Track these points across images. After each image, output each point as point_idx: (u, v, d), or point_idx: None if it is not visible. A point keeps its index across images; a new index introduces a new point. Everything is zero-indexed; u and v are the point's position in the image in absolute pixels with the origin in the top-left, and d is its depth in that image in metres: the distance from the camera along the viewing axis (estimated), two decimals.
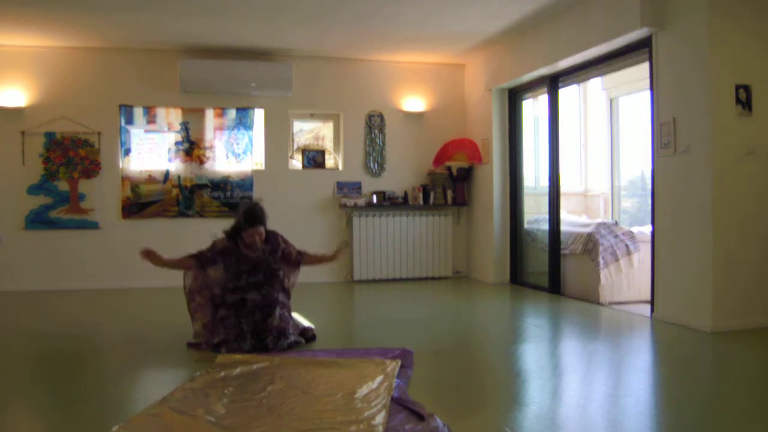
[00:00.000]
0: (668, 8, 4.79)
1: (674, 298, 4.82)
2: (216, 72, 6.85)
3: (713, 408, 3.01)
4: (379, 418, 2.67)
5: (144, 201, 7.00)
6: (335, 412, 2.79)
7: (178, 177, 7.08)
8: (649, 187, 5.23)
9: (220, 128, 7.19)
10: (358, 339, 4.76)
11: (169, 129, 7.06)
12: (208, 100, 7.11)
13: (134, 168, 6.98)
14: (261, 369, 3.51)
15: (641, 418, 2.80)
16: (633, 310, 5.48)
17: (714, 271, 4.47)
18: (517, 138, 7.21)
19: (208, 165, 7.15)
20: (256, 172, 7.29)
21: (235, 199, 7.19)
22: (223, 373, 3.41)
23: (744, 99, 4.55)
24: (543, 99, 6.86)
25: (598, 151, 7.95)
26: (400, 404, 2.86)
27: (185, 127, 7.09)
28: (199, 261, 4.20)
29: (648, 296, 5.30)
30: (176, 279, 7.01)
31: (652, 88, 5.03)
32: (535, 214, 7.15)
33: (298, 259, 4.37)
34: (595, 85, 7.74)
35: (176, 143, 7.08)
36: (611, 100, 7.74)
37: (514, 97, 7.21)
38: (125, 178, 6.96)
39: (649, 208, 5.21)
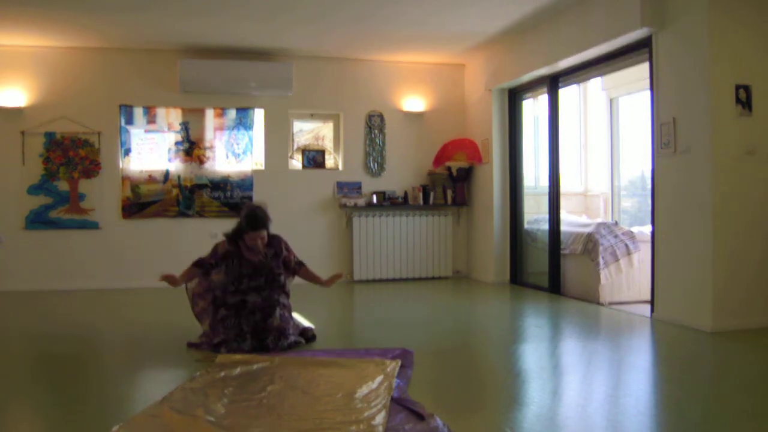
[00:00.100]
0: (668, 8, 4.79)
1: (674, 298, 4.82)
2: (216, 72, 6.85)
3: (713, 408, 3.01)
4: (379, 418, 2.67)
5: (144, 201, 7.00)
6: (335, 412, 2.79)
7: (178, 177, 7.08)
8: (649, 187, 5.23)
9: (220, 128, 7.19)
10: (358, 339, 4.76)
11: (169, 129, 7.06)
12: (208, 100, 7.11)
13: (134, 168, 6.98)
14: (261, 369, 3.52)
15: (641, 418, 2.80)
16: (633, 310, 5.48)
17: (714, 271, 4.47)
18: (517, 138, 7.21)
19: (208, 165, 7.15)
20: (256, 172, 7.29)
21: (235, 199, 7.20)
22: (223, 373, 3.41)
23: (744, 99, 4.54)
24: (543, 99, 6.86)
25: (598, 151, 7.95)
26: (400, 404, 2.86)
27: (185, 127, 7.09)
28: (203, 268, 4.19)
29: (648, 296, 5.30)
30: None
31: (652, 88, 5.02)
32: (535, 214, 7.15)
33: (295, 269, 4.34)
34: (595, 85, 7.74)
35: (176, 143, 7.08)
36: (611, 100, 7.74)
37: (514, 97, 7.21)
38: (125, 178, 6.96)
39: (649, 208, 5.21)
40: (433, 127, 7.76)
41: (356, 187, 7.54)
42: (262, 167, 7.35)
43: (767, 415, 2.89)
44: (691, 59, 4.61)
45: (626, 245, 5.92)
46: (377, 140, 7.62)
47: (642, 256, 5.84)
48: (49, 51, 6.79)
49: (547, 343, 4.41)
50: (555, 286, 6.41)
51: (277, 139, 7.38)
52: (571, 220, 6.73)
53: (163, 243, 7.04)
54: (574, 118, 7.96)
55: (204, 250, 6.99)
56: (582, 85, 7.66)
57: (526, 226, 7.17)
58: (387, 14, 5.87)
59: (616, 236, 5.97)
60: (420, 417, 2.68)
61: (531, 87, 6.90)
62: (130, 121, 6.97)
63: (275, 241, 4.26)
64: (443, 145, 7.59)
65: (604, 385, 3.45)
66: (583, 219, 7.01)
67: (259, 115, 7.32)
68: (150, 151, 7.03)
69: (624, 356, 4.06)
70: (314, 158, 7.55)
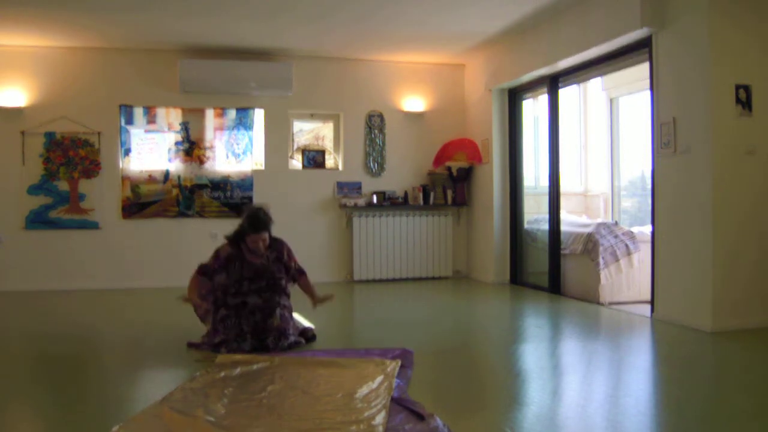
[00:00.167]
0: (668, 8, 4.79)
1: (674, 298, 4.82)
2: (216, 72, 6.85)
3: (713, 408, 3.01)
4: (379, 418, 2.67)
5: (144, 201, 7.00)
6: (335, 412, 2.79)
7: (178, 177, 7.08)
8: (649, 187, 5.23)
9: (220, 128, 7.19)
10: (358, 339, 4.76)
11: (169, 129, 7.06)
12: (208, 100, 7.11)
13: (134, 168, 6.98)
14: (261, 369, 3.52)
15: (641, 418, 2.80)
16: (633, 310, 5.48)
17: (714, 271, 4.47)
18: (517, 138, 7.21)
19: (208, 165, 7.15)
20: (256, 172, 7.29)
21: (235, 199, 7.20)
22: (223, 373, 3.41)
23: (744, 99, 4.54)
24: (543, 99, 6.86)
25: (598, 151, 7.95)
26: (400, 404, 2.86)
27: (185, 127, 7.09)
28: (207, 276, 4.14)
29: (648, 296, 5.30)
30: (176, 279, 7.02)
31: (652, 88, 5.02)
32: (535, 214, 7.15)
33: (294, 276, 4.31)
34: (595, 85, 7.74)
35: (176, 143, 7.08)
36: (611, 100, 7.74)
37: (514, 97, 7.22)
38: (125, 178, 6.96)
39: (649, 208, 5.21)
40: (433, 127, 7.76)
41: (356, 187, 7.54)
42: (262, 167, 7.35)
43: (767, 415, 2.89)
44: (691, 59, 4.61)
45: (626, 245, 5.92)
46: (377, 140, 7.62)
47: (642, 256, 5.84)
48: (49, 51, 6.79)
49: (547, 343, 4.41)
50: (555, 286, 6.41)
51: (277, 139, 7.38)
52: (571, 220, 6.73)
53: (163, 243, 7.04)
54: (574, 118, 7.96)
55: (204, 250, 6.99)
56: (582, 85, 7.66)
57: (526, 226, 7.17)
58: (387, 14, 5.87)
59: (616, 236, 5.97)
60: (420, 417, 2.68)
61: (531, 87, 6.90)
62: (130, 121, 6.97)
63: (278, 245, 4.24)
64: (443, 145, 7.59)
65: (604, 385, 3.45)
66: (583, 219, 7.01)
67: (259, 115, 7.32)
68: (150, 151, 7.03)
69: (624, 356, 4.06)
70: (314, 158, 7.55)
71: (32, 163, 6.73)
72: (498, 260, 7.27)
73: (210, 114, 7.16)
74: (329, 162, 7.65)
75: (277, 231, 4.32)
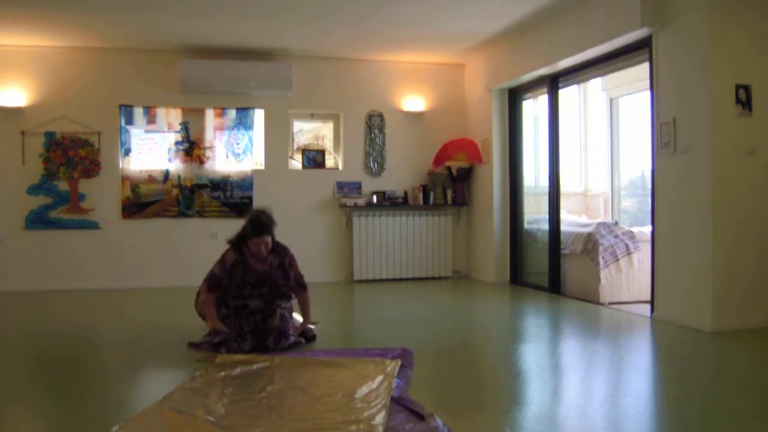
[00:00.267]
0: (668, 8, 4.79)
1: (674, 298, 4.82)
2: (216, 72, 6.85)
3: (713, 408, 3.01)
4: (379, 418, 2.67)
5: (144, 201, 7.00)
6: (335, 412, 2.79)
7: (178, 177, 7.08)
8: (649, 187, 5.23)
9: (220, 128, 7.19)
10: (358, 339, 4.76)
11: (169, 129, 7.06)
12: (208, 100, 7.11)
13: (134, 168, 6.98)
14: (261, 369, 3.52)
15: (641, 418, 2.80)
16: (633, 310, 5.48)
17: (714, 271, 4.47)
18: (517, 138, 7.21)
19: (208, 165, 7.15)
20: (256, 172, 7.29)
21: (235, 199, 7.20)
22: (223, 373, 3.41)
23: (744, 99, 4.55)
24: (543, 99, 6.86)
25: (598, 151, 7.95)
26: (400, 404, 2.86)
27: (185, 127, 7.09)
28: (219, 288, 4.07)
29: (648, 296, 5.30)
30: (176, 279, 7.04)
31: (652, 88, 5.03)
32: (535, 214, 7.15)
33: (295, 289, 4.21)
34: (595, 85, 7.74)
35: (176, 143, 7.08)
36: (611, 100, 7.74)
37: (514, 97, 7.22)
38: (125, 178, 6.96)
39: (649, 208, 5.21)
40: (433, 127, 7.76)
41: (356, 187, 7.54)
42: (262, 167, 7.35)
43: (767, 415, 2.89)
44: (691, 59, 4.61)
45: (626, 245, 5.92)
46: (377, 140, 7.62)
47: (642, 256, 5.84)
48: (49, 51, 6.79)
49: (547, 343, 4.41)
50: (555, 286, 6.41)
51: (277, 139, 7.38)
52: (571, 220, 6.73)
53: (163, 243, 7.04)
54: (574, 118, 7.96)
55: (204, 250, 7.02)
56: (582, 85, 7.66)
57: (526, 226, 7.17)
58: (387, 14, 5.87)
59: (616, 236, 5.97)
60: (420, 417, 2.68)
61: (531, 87, 6.90)
62: (130, 121, 6.97)
63: (282, 250, 4.17)
64: (443, 145, 7.59)
65: (604, 385, 3.45)
66: (583, 219, 7.01)
67: (259, 115, 7.32)
68: (150, 151, 7.03)
69: (624, 356, 4.06)
70: (314, 158, 7.55)
71: (32, 163, 6.73)
72: (498, 260, 7.27)
73: (210, 114, 7.16)
74: (329, 162, 7.65)
75: (277, 231, 4.30)
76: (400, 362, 3.52)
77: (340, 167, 7.58)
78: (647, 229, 5.75)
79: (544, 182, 6.80)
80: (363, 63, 7.58)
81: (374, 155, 7.61)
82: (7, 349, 4.29)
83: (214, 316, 4.01)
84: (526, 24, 6.18)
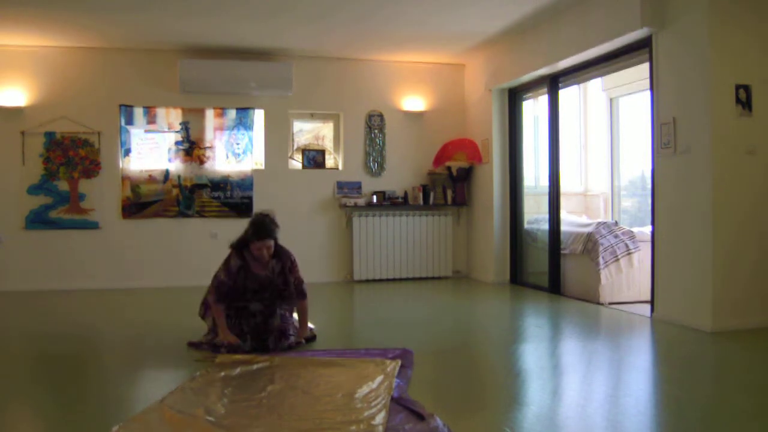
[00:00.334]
0: (668, 8, 4.79)
1: (674, 298, 4.82)
2: (216, 72, 6.85)
3: (713, 408, 3.01)
4: (379, 418, 2.67)
5: (144, 201, 7.00)
6: (335, 412, 2.79)
7: (178, 177, 7.08)
8: (649, 187, 5.23)
9: (220, 128, 7.19)
10: (358, 339, 4.76)
11: (169, 129, 7.07)
12: (208, 100, 7.11)
13: (134, 168, 6.98)
14: (261, 369, 3.52)
15: (641, 418, 2.80)
16: (633, 310, 5.48)
17: (714, 271, 4.47)
18: (517, 138, 7.21)
19: (208, 165, 7.15)
20: (256, 172, 7.29)
21: (235, 199, 7.20)
22: (223, 373, 3.41)
23: (744, 99, 4.55)
24: (543, 99, 6.86)
25: (598, 151, 7.95)
26: (400, 404, 2.86)
27: (185, 127, 7.09)
28: (227, 298, 4.00)
29: (648, 296, 5.30)
30: (176, 279, 7.04)
31: (652, 88, 5.02)
32: (535, 214, 7.15)
33: (293, 291, 4.12)
34: (595, 85, 7.73)
35: (176, 143, 7.08)
36: (611, 101, 7.74)
37: (514, 97, 7.22)
38: (125, 178, 6.96)
39: (649, 208, 5.21)
40: (433, 127, 7.76)
41: (356, 187, 7.54)
42: (262, 167, 7.35)
43: (767, 415, 2.89)
44: (691, 59, 4.61)
45: (626, 245, 5.92)
46: (377, 140, 7.62)
47: (642, 256, 5.83)
48: (49, 51, 6.79)
49: (547, 343, 4.41)
50: (555, 286, 6.41)
51: (277, 139, 7.38)
52: (571, 220, 6.73)
53: (163, 243, 7.04)
54: (574, 118, 7.95)
55: (204, 250, 7.03)
56: (582, 85, 7.65)
57: (526, 226, 7.17)
58: (387, 14, 5.87)
59: (616, 236, 5.97)
60: (420, 417, 2.68)
61: (531, 87, 6.90)
62: (130, 121, 6.97)
63: (284, 256, 4.11)
64: (443, 145, 7.59)
65: (604, 385, 3.45)
66: (583, 219, 7.01)
67: (259, 115, 7.33)
68: (150, 151, 7.03)
69: (624, 356, 4.06)
70: (314, 158, 7.55)
71: (32, 163, 6.73)
72: (498, 260, 7.27)
73: (210, 114, 7.16)
74: (329, 162, 7.65)
75: (279, 233, 4.26)
76: (400, 362, 3.52)
77: (340, 167, 7.58)
78: (647, 229, 5.75)
79: (544, 182, 6.80)
80: (363, 63, 7.58)
81: (374, 155, 7.61)
82: (7, 349, 4.29)
83: (226, 329, 3.93)
84: (526, 24, 6.18)
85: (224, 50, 7.02)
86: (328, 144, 7.78)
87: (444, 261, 7.66)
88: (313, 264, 6.98)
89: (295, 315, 4.37)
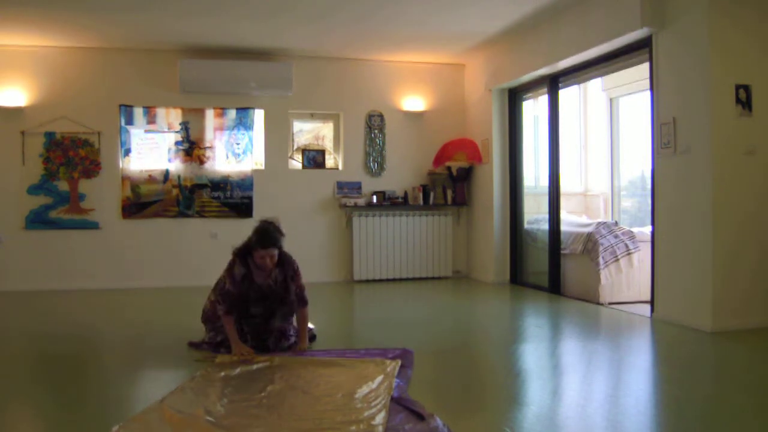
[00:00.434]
0: (668, 8, 4.79)
1: (674, 298, 4.82)
2: (216, 72, 6.85)
3: (713, 408, 3.01)
4: (379, 418, 2.67)
5: (144, 201, 7.00)
6: (335, 412, 2.79)
7: (178, 177, 7.08)
8: (649, 187, 5.23)
9: (220, 128, 7.19)
10: (358, 339, 4.76)
11: (169, 129, 7.06)
12: (208, 100, 7.11)
13: (134, 168, 6.98)
14: (261, 369, 3.52)
15: (641, 418, 2.80)
16: (633, 310, 5.48)
17: (714, 271, 4.47)
18: (517, 138, 7.21)
19: (208, 165, 7.15)
20: (256, 172, 7.29)
21: (235, 199, 7.20)
22: (223, 373, 3.41)
23: (744, 99, 4.55)
24: (543, 99, 6.86)
25: (598, 151, 7.95)
26: (400, 404, 2.86)
27: (185, 127, 7.09)
28: (235, 309, 3.93)
29: (648, 296, 5.30)
30: (176, 279, 7.04)
31: (652, 88, 5.03)
32: (535, 214, 7.15)
33: (294, 299, 4.02)
34: (595, 85, 7.73)
35: (176, 143, 7.08)
36: (611, 101, 7.74)
37: (514, 97, 7.22)
38: (125, 178, 6.96)
39: (649, 208, 5.21)
40: (433, 127, 7.76)
41: (356, 187, 7.54)
42: (262, 167, 7.35)
43: (767, 414, 2.89)
44: (691, 59, 4.61)
45: (626, 245, 5.92)
46: (377, 140, 7.62)
47: (642, 256, 5.83)
48: (49, 51, 6.79)
49: (547, 343, 4.41)
50: (555, 286, 6.41)
51: (277, 139, 7.38)
52: (571, 220, 6.73)
53: (163, 243, 7.04)
54: (574, 118, 7.96)
55: (203, 250, 7.03)
56: (582, 85, 7.65)
57: (526, 226, 7.17)
58: (387, 14, 5.87)
59: (616, 236, 5.97)
60: (420, 417, 2.68)
61: (531, 87, 6.90)
62: (130, 121, 6.97)
63: (287, 265, 4.00)
64: (443, 145, 7.59)
65: (604, 385, 3.45)
66: (583, 219, 7.01)
67: (259, 115, 7.33)
68: (150, 151, 7.03)
69: (624, 356, 4.06)
70: (314, 158, 7.55)
71: (32, 163, 6.73)
72: (498, 260, 7.27)
73: (210, 114, 7.16)
74: (329, 162, 7.65)
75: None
76: (400, 362, 3.52)
77: (340, 167, 7.58)
78: (647, 229, 5.75)
79: (544, 182, 6.80)
80: (363, 63, 7.58)
81: (374, 155, 7.61)
82: (7, 349, 4.29)
83: (238, 341, 3.84)
84: (526, 24, 6.18)
85: (224, 50, 7.02)
86: (328, 144, 7.78)
87: (444, 261, 7.66)
88: (313, 264, 6.98)
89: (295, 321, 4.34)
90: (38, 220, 6.74)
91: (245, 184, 7.23)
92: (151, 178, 7.01)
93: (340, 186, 7.50)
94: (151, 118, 7.02)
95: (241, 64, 6.93)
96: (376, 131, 7.63)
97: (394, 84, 7.69)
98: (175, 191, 7.07)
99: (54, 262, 6.79)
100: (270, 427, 2.61)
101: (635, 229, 6.19)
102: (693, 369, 3.70)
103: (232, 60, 6.97)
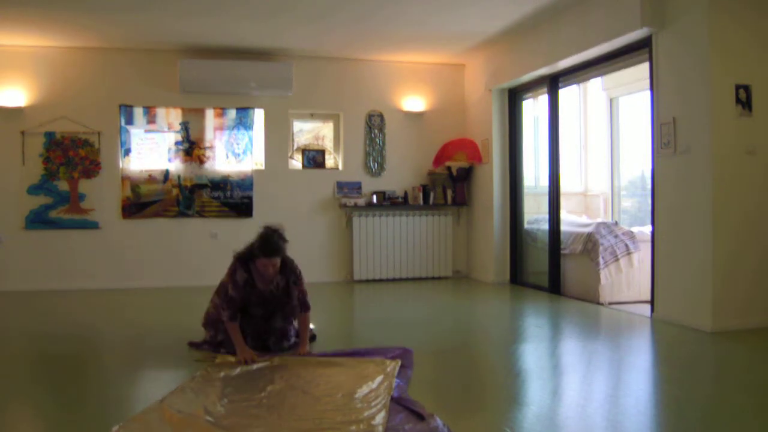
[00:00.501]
0: (668, 8, 4.79)
1: (674, 298, 4.82)
2: (216, 72, 6.85)
3: (713, 408, 3.01)
4: (379, 418, 2.67)
5: (144, 201, 7.00)
6: (335, 412, 2.79)
7: (178, 177, 7.07)
8: (649, 187, 5.23)
9: (220, 128, 7.19)
10: (358, 339, 4.76)
11: (169, 129, 7.06)
12: (208, 100, 7.11)
13: (134, 168, 6.98)
14: (261, 369, 3.52)
15: (641, 418, 2.80)
16: (633, 310, 5.48)
17: (714, 271, 4.47)
18: (517, 138, 7.21)
19: (208, 165, 7.15)
20: (256, 172, 7.29)
21: (235, 199, 7.19)
22: (223, 373, 3.41)
23: (744, 99, 4.55)
24: (543, 99, 6.86)
25: (598, 151, 7.95)
26: (400, 404, 2.86)
27: (185, 127, 7.09)
28: (237, 309, 3.89)
29: (648, 296, 5.30)
30: (176, 279, 7.04)
31: (652, 88, 5.03)
32: (535, 214, 7.15)
33: (296, 304, 3.98)
34: (595, 85, 7.74)
35: (176, 143, 7.08)
36: (611, 100, 7.74)
37: (514, 97, 7.22)
38: (125, 178, 6.96)
39: (649, 208, 5.21)
40: (433, 127, 7.76)
41: (356, 187, 7.54)
42: (262, 167, 7.35)
43: (767, 414, 2.89)
44: (691, 59, 4.61)
45: (626, 245, 5.92)
46: (377, 140, 7.62)
47: (642, 256, 5.84)
48: (49, 51, 6.79)
49: (547, 343, 4.41)
50: (555, 286, 6.41)
51: (277, 139, 7.38)
52: (571, 220, 6.73)
53: (163, 243, 7.04)
54: (574, 118, 7.96)
55: (203, 250, 7.03)
56: (582, 85, 7.66)
57: (526, 226, 7.17)
58: (387, 14, 5.87)
59: (616, 236, 5.97)
60: (420, 417, 2.68)
61: (531, 87, 6.90)
62: (130, 121, 6.97)
63: (289, 271, 3.97)
64: (443, 145, 7.59)
65: (604, 385, 3.45)
66: (583, 219, 7.01)
67: (259, 115, 7.32)
68: (150, 151, 7.03)
69: (624, 356, 4.06)
70: (314, 158, 7.55)
71: (32, 163, 6.73)
72: (498, 260, 7.27)
73: (210, 114, 7.16)
74: (329, 162, 7.65)
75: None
76: (400, 362, 3.52)
77: (340, 167, 7.58)
78: (647, 229, 5.75)
79: (544, 182, 6.80)
80: (363, 63, 7.58)
81: (374, 155, 7.61)
82: (7, 349, 4.29)
83: (244, 346, 3.78)
84: (526, 24, 6.17)
85: (224, 50, 7.02)
86: (328, 144, 7.78)
87: (444, 261, 7.66)
88: (313, 264, 6.98)
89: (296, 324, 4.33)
90: (38, 220, 6.74)
91: (245, 184, 7.23)
92: (151, 178, 7.01)
93: (340, 186, 7.50)
94: (151, 118, 7.02)
95: (241, 64, 6.93)
96: (376, 131, 7.63)
97: (394, 84, 7.69)
98: (175, 191, 7.07)
99: (54, 262, 6.79)
100: (270, 427, 2.61)
101: (635, 229, 6.19)
102: (693, 369, 3.70)
103: (232, 60, 6.97)
